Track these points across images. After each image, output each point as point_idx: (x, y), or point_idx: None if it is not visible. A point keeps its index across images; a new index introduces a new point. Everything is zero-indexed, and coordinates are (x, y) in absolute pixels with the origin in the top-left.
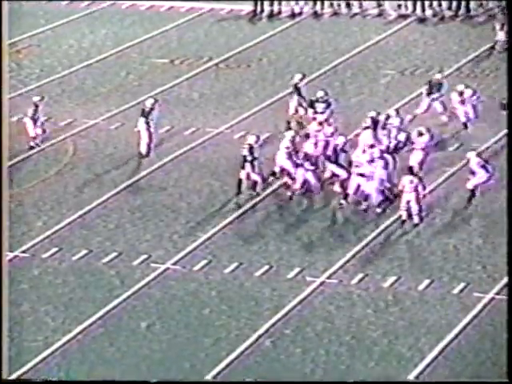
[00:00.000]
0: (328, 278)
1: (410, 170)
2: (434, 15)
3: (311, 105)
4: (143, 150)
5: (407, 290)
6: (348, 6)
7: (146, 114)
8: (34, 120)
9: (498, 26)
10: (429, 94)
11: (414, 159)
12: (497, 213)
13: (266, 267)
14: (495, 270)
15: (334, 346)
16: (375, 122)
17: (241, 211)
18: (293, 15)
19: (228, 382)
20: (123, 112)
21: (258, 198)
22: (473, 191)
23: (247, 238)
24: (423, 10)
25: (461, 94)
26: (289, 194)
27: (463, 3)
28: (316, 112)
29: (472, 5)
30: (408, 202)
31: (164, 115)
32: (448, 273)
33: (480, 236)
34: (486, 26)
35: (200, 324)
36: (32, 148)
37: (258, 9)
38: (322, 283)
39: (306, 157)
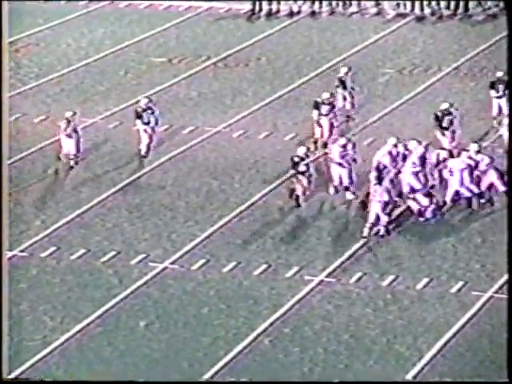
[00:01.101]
0: (326, 276)
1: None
2: (433, 14)
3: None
4: (143, 150)
5: (405, 289)
6: (345, 4)
7: (140, 115)
8: (69, 136)
9: None
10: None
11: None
12: (496, 212)
13: (264, 266)
14: (494, 268)
15: (333, 345)
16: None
17: (239, 210)
18: (291, 14)
19: (227, 381)
20: (122, 111)
21: (255, 197)
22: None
23: (245, 237)
24: (422, 8)
25: None
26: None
27: (461, 2)
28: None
29: (470, 4)
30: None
31: (162, 114)
32: (446, 271)
33: (479, 235)
34: (485, 25)
35: (198, 323)
36: (72, 168)
37: (257, 8)
38: (320, 282)
39: None
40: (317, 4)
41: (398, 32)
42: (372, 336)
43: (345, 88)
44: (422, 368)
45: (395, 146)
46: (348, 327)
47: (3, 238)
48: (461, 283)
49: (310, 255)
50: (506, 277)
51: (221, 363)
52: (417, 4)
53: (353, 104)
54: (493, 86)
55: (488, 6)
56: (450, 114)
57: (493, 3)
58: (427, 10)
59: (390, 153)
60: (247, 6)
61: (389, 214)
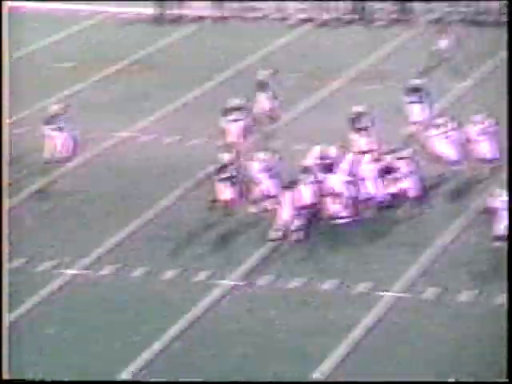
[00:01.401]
0: (237, 279)
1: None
2: (335, 19)
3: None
4: (53, 155)
5: (314, 291)
6: (251, 9)
7: (49, 121)
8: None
9: (440, 34)
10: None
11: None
12: (403, 214)
13: (175, 271)
14: (398, 267)
15: (244, 347)
16: None
17: (148, 214)
18: (197, 18)
19: (227, 382)
20: (29, 116)
21: (165, 202)
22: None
23: (155, 242)
24: (324, 13)
25: None
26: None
27: (362, 7)
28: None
29: (372, 9)
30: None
31: (70, 120)
32: (353, 272)
33: (385, 236)
34: (386, 29)
35: (109, 329)
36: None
37: (162, 12)
38: (231, 285)
39: None
40: (222, 9)
41: (302, 36)
42: (282, 338)
43: (267, 91)
44: (330, 368)
45: (321, 152)
46: (258, 330)
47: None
48: (367, 283)
49: (220, 258)
50: (408, 275)
51: (131, 368)
52: (320, 8)
53: (275, 107)
54: (408, 92)
55: (388, 12)
56: (365, 117)
57: (392, 8)
58: (329, 15)
59: (316, 158)
60: (152, 11)
61: (303, 218)
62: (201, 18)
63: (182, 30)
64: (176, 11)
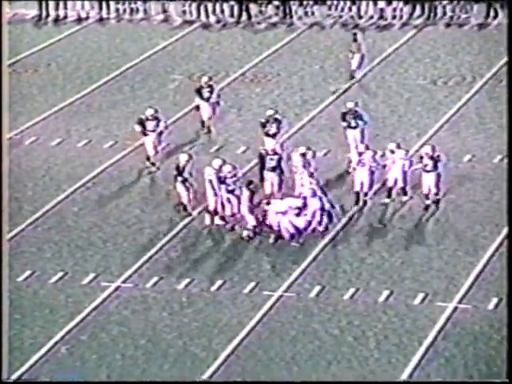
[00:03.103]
0: (123, 282)
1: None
2: (218, 21)
3: (262, 126)
4: (151, 158)
5: (200, 292)
6: (132, 11)
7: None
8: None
9: (351, 54)
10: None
11: None
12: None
13: (60, 274)
14: (283, 268)
15: (130, 350)
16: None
17: (33, 218)
18: (79, 20)
19: (225, 381)
20: None
21: (49, 205)
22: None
23: (40, 245)
24: (207, 15)
25: None
26: None
27: (244, 9)
28: (268, 134)
29: (253, 11)
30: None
31: None
32: (238, 273)
33: (268, 236)
34: (266, 32)
35: None
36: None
37: (44, 13)
38: (117, 288)
39: None
40: (104, 10)
41: (185, 38)
42: (168, 339)
43: (202, 98)
44: (217, 368)
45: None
46: (145, 332)
47: (3, 239)
48: (252, 284)
49: (106, 261)
50: (294, 276)
51: (18, 373)
52: (202, 11)
53: (212, 114)
54: (344, 117)
55: (269, 15)
56: (276, 120)
57: (273, 11)
58: (212, 18)
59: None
60: (34, 12)
61: (256, 218)
62: (84, 19)
63: (64, 31)
64: (59, 12)
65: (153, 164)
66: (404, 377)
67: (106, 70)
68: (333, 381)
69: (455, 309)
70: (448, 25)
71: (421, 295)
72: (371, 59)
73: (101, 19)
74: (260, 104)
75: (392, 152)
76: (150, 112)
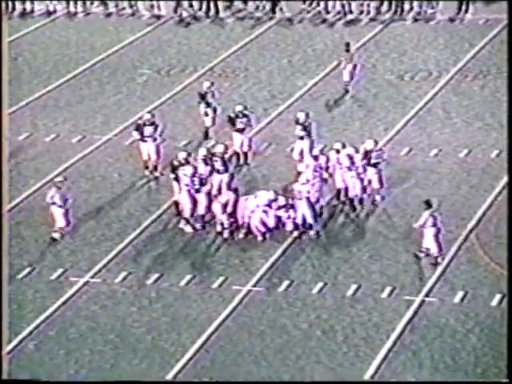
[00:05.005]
0: (92, 277)
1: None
2: (190, 16)
3: (231, 121)
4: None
5: (169, 287)
6: (105, 5)
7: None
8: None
9: (342, 66)
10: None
11: None
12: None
13: (28, 269)
14: (252, 263)
15: (99, 345)
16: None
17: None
18: (46, 13)
19: (225, 381)
20: None
21: (18, 199)
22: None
23: (8, 241)
24: (175, 11)
25: None
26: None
27: (212, 4)
28: (237, 129)
29: (221, 6)
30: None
31: None
32: (208, 268)
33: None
34: (235, 27)
35: None
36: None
37: (10, 7)
38: (85, 283)
39: None
40: (72, 4)
41: (153, 33)
42: (137, 334)
43: (206, 103)
44: (186, 363)
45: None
46: (114, 327)
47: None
48: (221, 278)
49: (74, 256)
50: (263, 270)
51: None
52: (170, 6)
53: (214, 120)
54: (298, 124)
55: (238, 9)
56: (244, 116)
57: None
58: (181, 13)
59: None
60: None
61: (230, 215)
62: (52, 12)
63: (31, 24)
64: (26, 5)
65: (147, 167)
66: (371, 370)
67: (73, 65)
68: (333, 381)
69: (422, 302)
70: (415, 20)
71: (388, 289)
72: (338, 54)
73: (69, 13)
74: (228, 99)
75: (337, 152)
76: (147, 117)
